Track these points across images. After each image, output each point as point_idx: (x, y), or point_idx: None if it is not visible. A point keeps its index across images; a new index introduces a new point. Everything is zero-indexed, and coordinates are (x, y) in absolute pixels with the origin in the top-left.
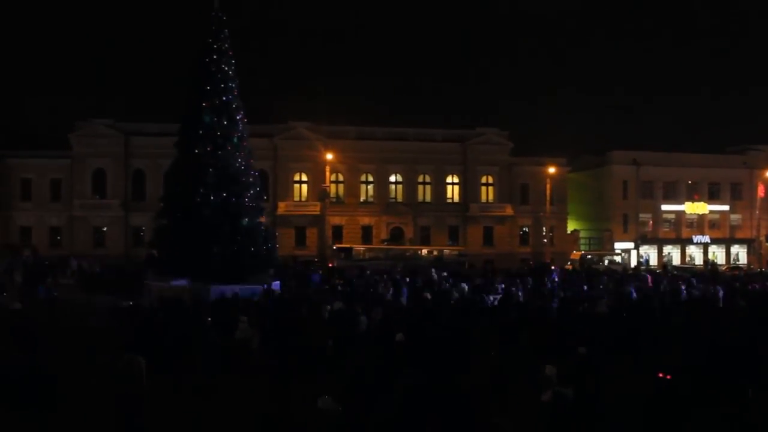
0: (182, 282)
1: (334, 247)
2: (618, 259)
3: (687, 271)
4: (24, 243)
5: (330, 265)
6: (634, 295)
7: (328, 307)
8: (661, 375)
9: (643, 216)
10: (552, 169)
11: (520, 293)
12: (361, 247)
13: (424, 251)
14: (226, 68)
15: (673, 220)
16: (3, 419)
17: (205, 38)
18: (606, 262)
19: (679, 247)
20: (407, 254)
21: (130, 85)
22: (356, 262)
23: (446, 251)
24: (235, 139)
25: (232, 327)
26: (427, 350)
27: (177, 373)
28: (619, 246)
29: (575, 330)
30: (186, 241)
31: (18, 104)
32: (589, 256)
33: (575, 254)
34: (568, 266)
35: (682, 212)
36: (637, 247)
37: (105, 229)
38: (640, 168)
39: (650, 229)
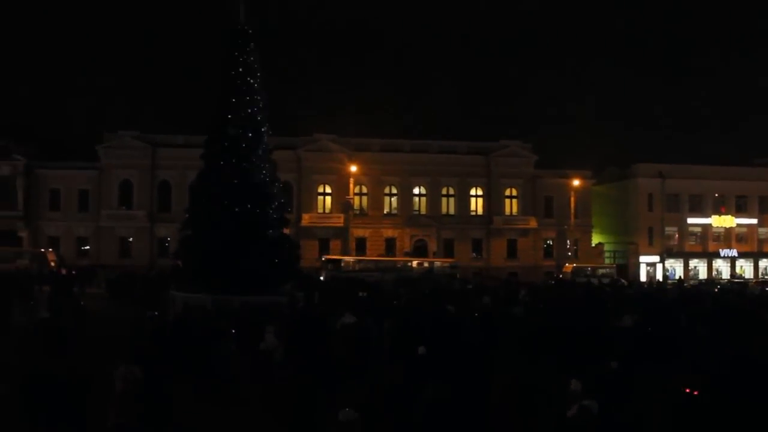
0: (206, 293)
1: (323, 259)
2: (608, 270)
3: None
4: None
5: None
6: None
7: (342, 319)
8: (687, 390)
9: (668, 229)
10: (576, 182)
11: (543, 306)
12: (350, 259)
13: (415, 263)
14: (252, 81)
15: (699, 234)
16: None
17: (230, 51)
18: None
19: (705, 261)
20: (398, 266)
21: (157, 97)
22: (345, 273)
23: (437, 263)
24: (260, 151)
25: (257, 338)
26: (450, 363)
27: (200, 384)
28: (644, 259)
29: (602, 343)
30: (210, 252)
31: (47, 116)
32: (590, 269)
33: (567, 267)
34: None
35: (709, 225)
36: (662, 261)
37: (131, 239)
38: (666, 180)
39: (676, 243)
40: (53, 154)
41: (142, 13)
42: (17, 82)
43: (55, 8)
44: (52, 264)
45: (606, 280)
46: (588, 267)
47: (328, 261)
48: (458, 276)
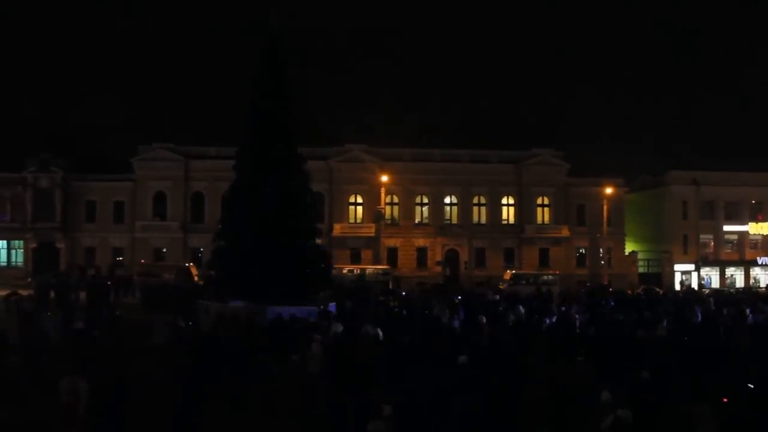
0: (239, 303)
1: None
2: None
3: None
4: (88, 264)
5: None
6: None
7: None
8: (725, 400)
9: (703, 237)
10: (609, 190)
11: (577, 316)
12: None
13: (345, 270)
14: (283, 92)
15: (735, 241)
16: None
17: (261, 62)
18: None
19: (742, 269)
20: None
21: (191, 109)
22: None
23: (369, 270)
24: (292, 162)
25: (290, 348)
26: (483, 374)
27: (232, 394)
28: (679, 268)
29: (634, 353)
30: (243, 262)
31: (84, 129)
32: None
33: (507, 273)
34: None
35: (746, 233)
36: (698, 269)
37: (165, 250)
38: (701, 187)
39: (712, 251)
40: (90, 167)
41: (175, 28)
42: (56, 97)
43: (90, 25)
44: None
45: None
46: (530, 274)
47: None
48: (390, 284)
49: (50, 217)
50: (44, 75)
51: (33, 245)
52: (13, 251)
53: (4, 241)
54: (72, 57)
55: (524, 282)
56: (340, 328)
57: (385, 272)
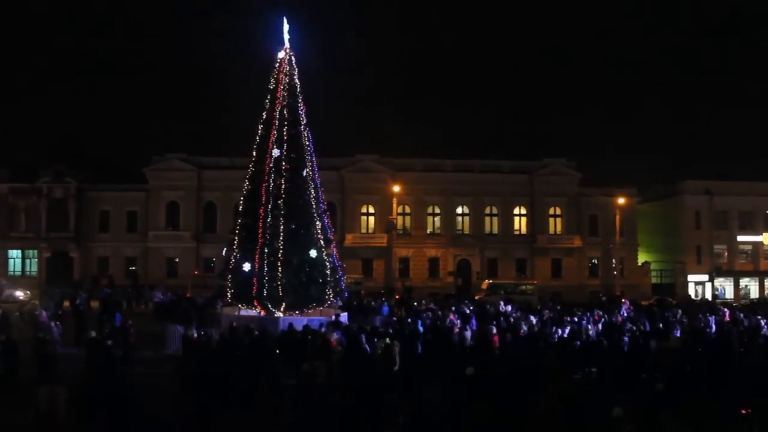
0: (251, 312)
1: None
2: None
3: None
4: (101, 273)
5: (396, 297)
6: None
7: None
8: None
9: (717, 247)
10: (621, 200)
11: (590, 327)
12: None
13: None
14: (295, 102)
15: (750, 252)
16: None
17: (274, 73)
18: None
19: (757, 279)
20: None
21: (203, 119)
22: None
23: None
24: (304, 172)
25: (301, 357)
26: (495, 385)
27: (243, 405)
28: (692, 278)
29: (648, 365)
30: (255, 272)
31: (96, 140)
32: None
33: (484, 283)
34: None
35: (760, 243)
36: (711, 280)
37: (177, 259)
38: (714, 197)
39: (725, 261)
40: (103, 177)
41: (187, 37)
42: (69, 108)
43: (102, 34)
44: (103, 284)
45: (523, 298)
46: (507, 283)
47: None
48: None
49: (64, 226)
50: (59, 86)
51: (47, 255)
52: (28, 260)
53: (19, 251)
54: (86, 68)
55: (502, 292)
56: (351, 338)
57: (356, 282)
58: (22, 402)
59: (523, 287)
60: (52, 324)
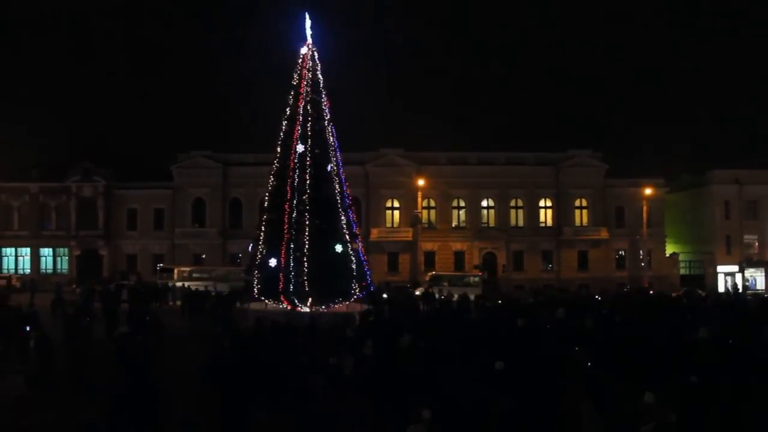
0: (278, 307)
1: (159, 266)
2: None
3: None
4: (130, 270)
5: (423, 290)
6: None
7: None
8: None
9: (748, 237)
10: (648, 190)
11: (618, 318)
12: (186, 268)
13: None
14: (319, 98)
15: None
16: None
17: (298, 69)
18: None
19: None
20: (235, 276)
21: (228, 116)
22: (174, 281)
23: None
24: (329, 167)
25: (328, 352)
26: (522, 377)
27: (271, 400)
28: (722, 269)
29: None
30: (281, 267)
31: (123, 139)
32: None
33: (427, 275)
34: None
35: None
36: (742, 271)
37: (204, 256)
38: (744, 187)
39: (756, 252)
40: (130, 176)
41: (212, 35)
42: (97, 108)
43: (128, 33)
44: (132, 281)
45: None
46: (451, 275)
47: (163, 270)
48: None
49: (93, 224)
50: (85, 86)
51: (77, 252)
52: (59, 258)
53: (50, 249)
54: (112, 67)
55: (446, 283)
56: (377, 332)
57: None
58: (56, 397)
59: (471, 278)
60: (83, 320)
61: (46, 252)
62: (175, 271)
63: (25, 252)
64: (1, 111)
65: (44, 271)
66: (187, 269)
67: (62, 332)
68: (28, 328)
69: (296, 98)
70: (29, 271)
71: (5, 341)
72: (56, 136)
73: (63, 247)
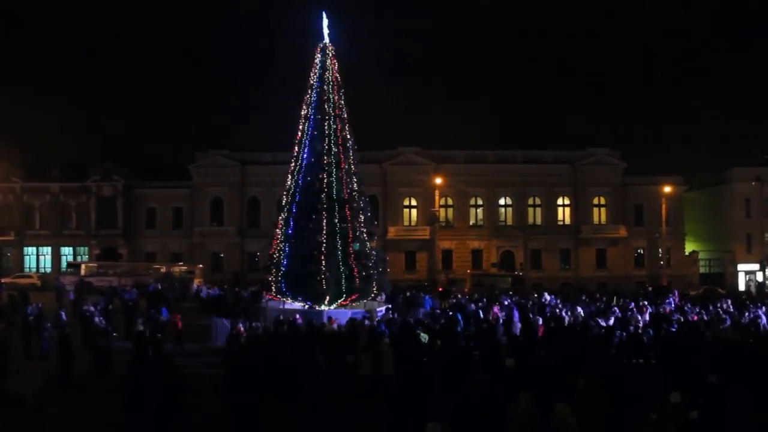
0: (296, 305)
1: (67, 261)
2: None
3: None
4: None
5: (440, 289)
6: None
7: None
8: None
9: None
10: (667, 188)
11: (639, 317)
12: (93, 264)
13: (163, 268)
14: (336, 97)
15: None
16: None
17: (314, 69)
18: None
19: None
20: (141, 272)
21: (246, 115)
22: (82, 277)
23: (176, 269)
24: (346, 166)
25: (345, 351)
26: (540, 376)
27: (288, 398)
28: (742, 268)
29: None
30: (299, 265)
31: (142, 139)
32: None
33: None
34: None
35: None
36: (762, 269)
37: (222, 254)
38: (764, 184)
39: None
40: (149, 175)
41: (231, 34)
42: (116, 108)
43: (146, 33)
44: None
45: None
46: (494, 275)
47: (71, 265)
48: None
49: (113, 224)
50: (104, 87)
51: (97, 251)
52: (79, 257)
53: (71, 248)
54: (130, 68)
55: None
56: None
57: (189, 271)
58: (78, 396)
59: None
60: (102, 319)
61: (67, 251)
62: (83, 266)
63: (47, 251)
64: (22, 113)
65: (65, 270)
66: (95, 265)
67: (81, 331)
68: (48, 325)
69: (316, 97)
70: (50, 270)
71: (27, 339)
72: (77, 136)
73: (83, 246)
